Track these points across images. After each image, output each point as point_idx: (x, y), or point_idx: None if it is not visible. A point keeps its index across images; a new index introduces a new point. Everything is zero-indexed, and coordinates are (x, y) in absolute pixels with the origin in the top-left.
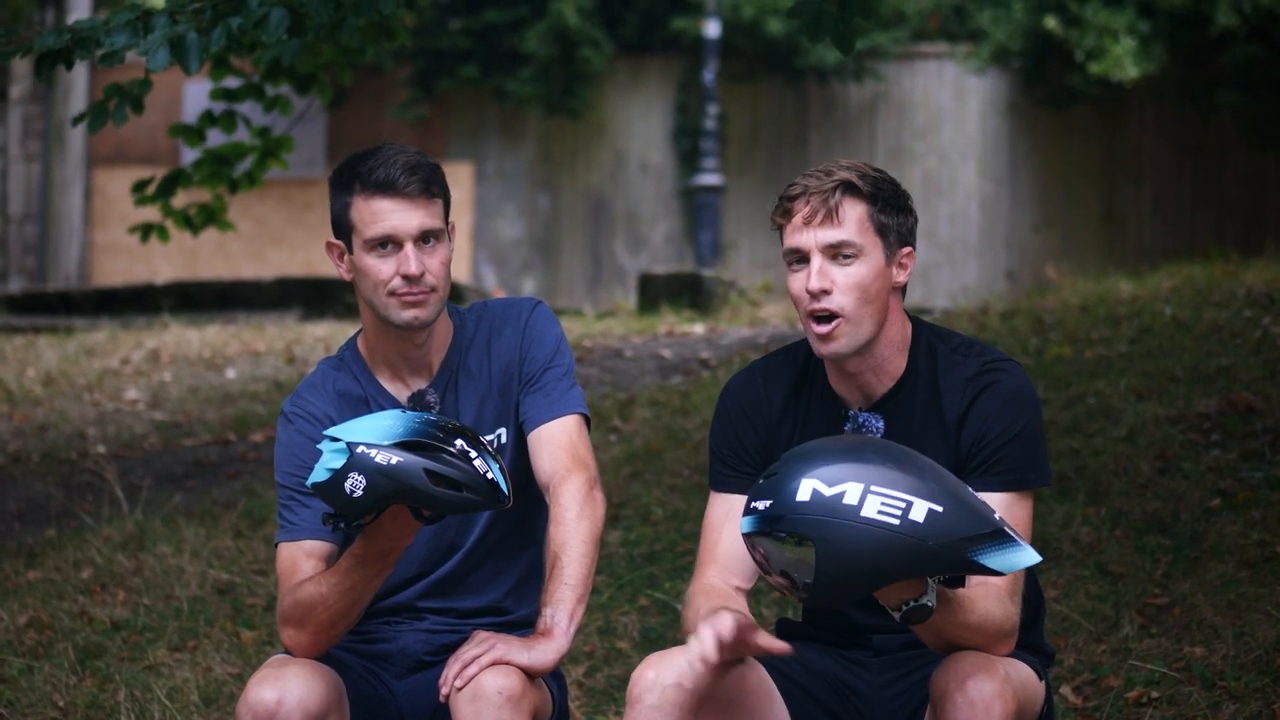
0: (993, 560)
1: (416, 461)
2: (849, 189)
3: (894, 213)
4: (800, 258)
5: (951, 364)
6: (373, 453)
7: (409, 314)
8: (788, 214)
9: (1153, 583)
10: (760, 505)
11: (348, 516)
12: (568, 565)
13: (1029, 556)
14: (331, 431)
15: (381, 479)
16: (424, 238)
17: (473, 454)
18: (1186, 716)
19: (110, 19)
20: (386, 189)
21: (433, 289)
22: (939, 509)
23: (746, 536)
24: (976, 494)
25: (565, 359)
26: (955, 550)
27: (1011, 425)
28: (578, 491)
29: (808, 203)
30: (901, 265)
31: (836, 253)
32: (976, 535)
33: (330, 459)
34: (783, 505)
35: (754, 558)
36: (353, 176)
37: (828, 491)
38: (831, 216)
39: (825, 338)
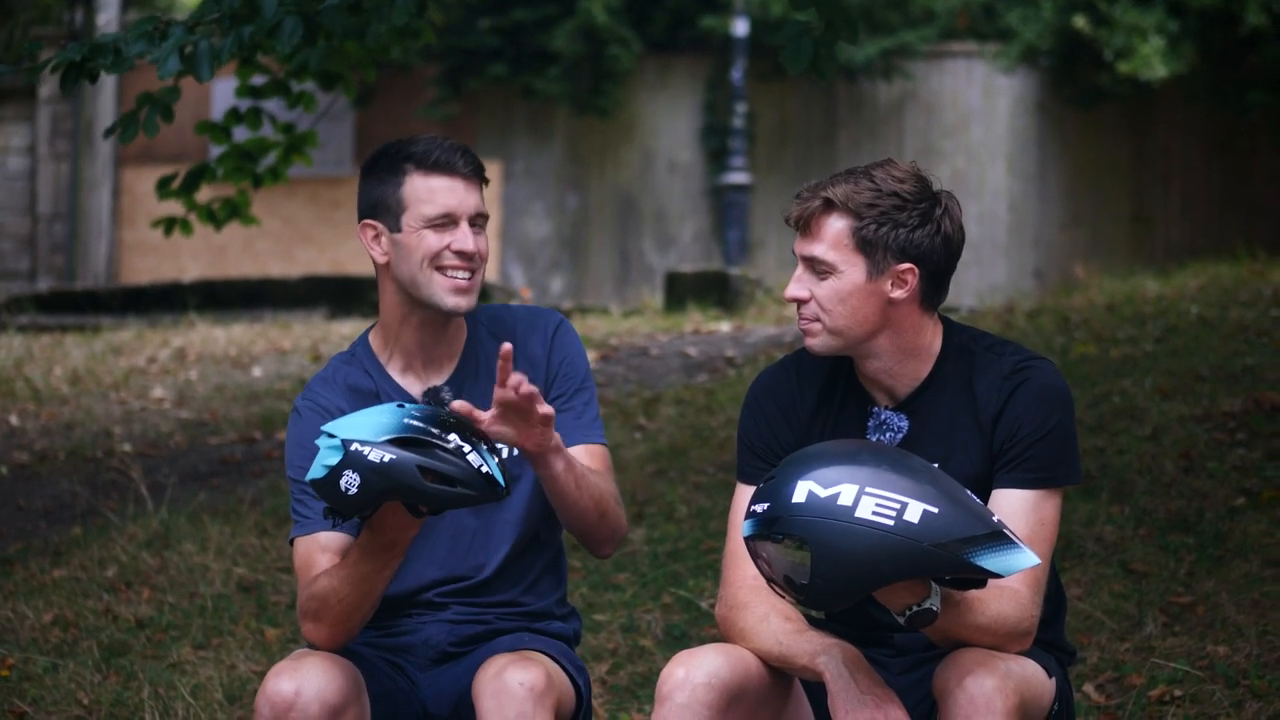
0: (989, 562)
1: (409, 458)
2: (828, 206)
3: (891, 228)
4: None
5: (986, 363)
6: (366, 450)
7: (454, 300)
8: (787, 218)
9: (1176, 581)
10: (758, 508)
11: (344, 513)
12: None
13: (1027, 559)
14: (328, 427)
15: (374, 476)
16: (475, 220)
17: (466, 449)
18: (1209, 715)
19: (130, 30)
20: (446, 169)
21: (477, 270)
22: (934, 510)
23: (748, 540)
24: (1006, 491)
25: (592, 384)
26: (951, 551)
27: (1043, 423)
28: None
29: (796, 213)
30: (900, 280)
31: (812, 266)
32: (973, 537)
33: (326, 455)
34: (779, 507)
35: (756, 563)
36: (405, 158)
37: (823, 493)
38: (809, 231)
39: (804, 332)
